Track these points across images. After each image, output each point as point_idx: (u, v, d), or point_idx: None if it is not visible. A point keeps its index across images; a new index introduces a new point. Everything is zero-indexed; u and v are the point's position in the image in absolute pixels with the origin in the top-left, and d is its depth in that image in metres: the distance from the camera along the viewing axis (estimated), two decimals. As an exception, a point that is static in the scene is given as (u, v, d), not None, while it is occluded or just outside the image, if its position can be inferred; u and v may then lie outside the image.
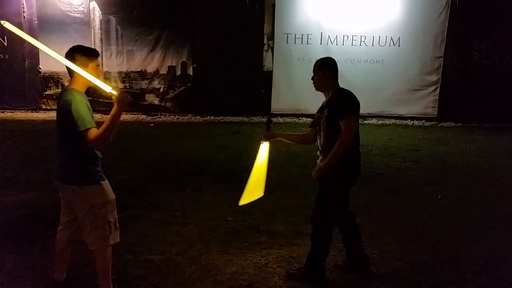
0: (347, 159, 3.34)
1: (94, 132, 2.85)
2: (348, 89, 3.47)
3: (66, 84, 3.09)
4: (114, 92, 2.86)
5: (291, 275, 3.62)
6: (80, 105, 2.88)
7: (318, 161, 3.53)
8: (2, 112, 10.82)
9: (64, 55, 2.97)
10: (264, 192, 3.50)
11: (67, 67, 2.96)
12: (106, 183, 3.08)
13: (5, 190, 5.50)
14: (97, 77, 3.02)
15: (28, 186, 5.64)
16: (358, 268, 3.73)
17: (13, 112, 10.83)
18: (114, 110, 2.86)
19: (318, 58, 3.62)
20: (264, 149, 3.53)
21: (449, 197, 5.72)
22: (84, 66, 2.95)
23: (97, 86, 2.94)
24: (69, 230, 3.22)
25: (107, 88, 2.91)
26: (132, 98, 3.09)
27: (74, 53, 2.99)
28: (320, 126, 3.49)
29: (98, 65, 3.10)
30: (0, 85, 11.01)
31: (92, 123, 2.88)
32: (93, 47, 10.53)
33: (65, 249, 3.31)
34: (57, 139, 3.08)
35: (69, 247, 3.34)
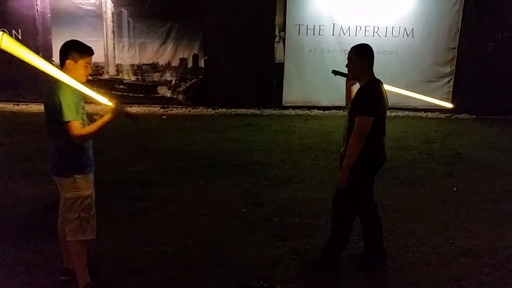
0: (369, 148, 3.25)
1: (76, 127, 2.87)
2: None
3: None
4: (111, 104, 2.94)
5: None
6: (66, 96, 2.88)
7: (342, 150, 3.47)
8: (17, 105, 10.90)
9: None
10: None
11: (60, 59, 2.99)
12: (82, 177, 3.05)
13: (20, 183, 5.56)
14: (83, 75, 3.03)
15: (43, 179, 5.67)
16: (374, 260, 3.70)
17: (27, 105, 10.90)
18: (107, 118, 2.94)
19: (354, 45, 3.42)
20: None
21: (464, 190, 5.65)
22: (74, 62, 2.97)
23: (90, 97, 2.95)
24: None
25: (102, 99, 2.96)
26: (128, 113, 3.15)
27: (67, 48, 2.99)
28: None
29: (89, 63, 3.05)
30: (14, 78, 11.07)
31: (76, 116, 2.88)
32: (105, 39, 10.74)
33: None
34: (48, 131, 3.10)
35: None
